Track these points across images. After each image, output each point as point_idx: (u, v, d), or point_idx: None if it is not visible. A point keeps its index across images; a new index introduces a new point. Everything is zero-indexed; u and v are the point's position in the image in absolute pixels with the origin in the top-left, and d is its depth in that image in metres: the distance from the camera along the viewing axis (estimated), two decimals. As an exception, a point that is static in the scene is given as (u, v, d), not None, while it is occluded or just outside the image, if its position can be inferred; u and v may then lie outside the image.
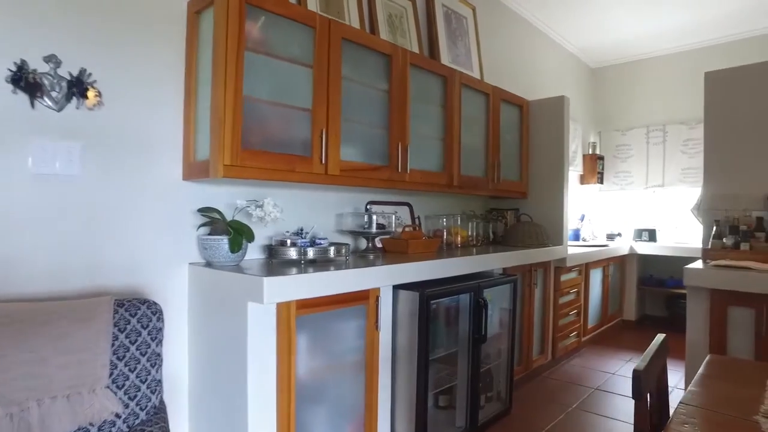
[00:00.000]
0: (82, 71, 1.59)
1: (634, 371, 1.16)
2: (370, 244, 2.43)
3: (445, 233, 2.92)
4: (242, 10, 1.69)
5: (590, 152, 5.09)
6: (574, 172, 4.81)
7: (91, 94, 1.61)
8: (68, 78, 1.56)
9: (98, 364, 1.37)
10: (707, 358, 1.63)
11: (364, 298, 1.94)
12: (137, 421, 1.45)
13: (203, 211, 1.89)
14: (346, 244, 2.09)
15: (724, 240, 2.76)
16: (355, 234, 2.48)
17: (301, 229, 2.10)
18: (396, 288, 2.11)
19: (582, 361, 3.73)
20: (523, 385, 3.14)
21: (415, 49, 2.79)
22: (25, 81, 1.47)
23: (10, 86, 1.45)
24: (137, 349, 1.48)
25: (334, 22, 2.03)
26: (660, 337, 1.44)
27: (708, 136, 2.90)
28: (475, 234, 3.15)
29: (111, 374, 1.41)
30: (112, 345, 1.43)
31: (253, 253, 2.09)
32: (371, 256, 2.30)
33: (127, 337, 1.47)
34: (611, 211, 5.26)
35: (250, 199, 1.99)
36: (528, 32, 4.19)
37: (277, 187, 2.16)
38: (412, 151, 2.40)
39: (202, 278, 1.84)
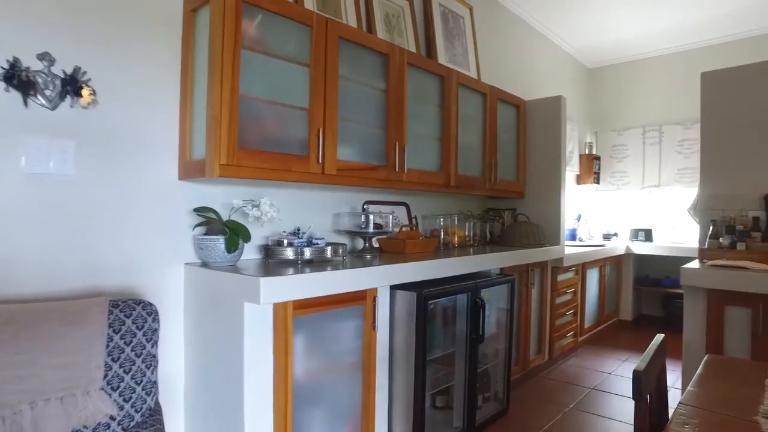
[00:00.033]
0: (77, 69, 1.57)
1: (635, 372, 1.16)
2: (367, 244, 2.42)
3: (442, 233, 2.92)
4: (239, 8, 1.68)
5: (587, 152, 5.10)
6: (570, 172, 4.82)
7: (85, 92, 1.59)
8: (62, 76, 1.54)
9: (92, 365, 1.35)
10: (705, 358, 1.63)
11: (361, 299, 1.93)
12: (132, 423, 1.44)
13: (199, 210, 1.87)
14: (343, 244, 2.08)
15: (721, 240, 2.77)
16: (352, 234, 2.47)
17: (298, 229, 2.09)
18: (393, 288, 2.10)
19: (579, 361, 3.74)
20: (521, 385, 3.14)
21: (413, 49, 2.78)
22: (18, 79, 1.45)
23: (3, 84, 1.43)
24: (132, 351, 1.47)
25: (331, 21, 2.02)
26: (659, 337, 1.44)
27: (704, 137, 2.91)
28: (472, 234, 3.14)
29: (105, 376, 1.39)
30: (107, 346, 1.41)
31: (250, 253, 2.08)
32: (368, 256, 2.29)
33: (122, 338, 1.45)
34: (608, 211, 5.28)
35: (246, 198, 1.98)
36: (525, 32, 4.19)
37: (274, 187, 2.15)
38: (409, 150, 2.40)
39: (198, 278, 1.82)
